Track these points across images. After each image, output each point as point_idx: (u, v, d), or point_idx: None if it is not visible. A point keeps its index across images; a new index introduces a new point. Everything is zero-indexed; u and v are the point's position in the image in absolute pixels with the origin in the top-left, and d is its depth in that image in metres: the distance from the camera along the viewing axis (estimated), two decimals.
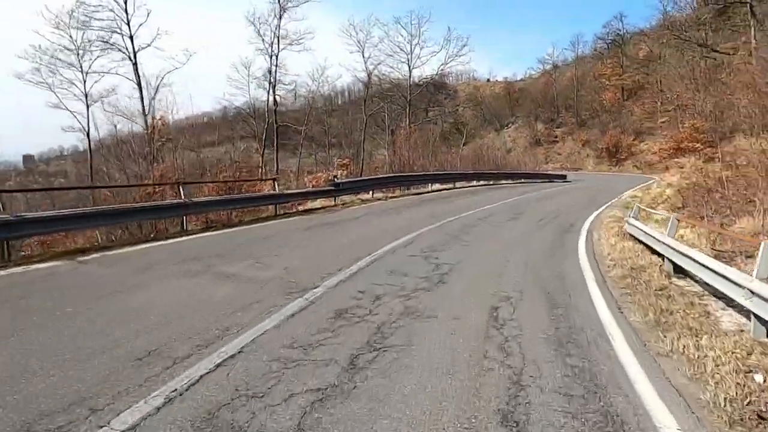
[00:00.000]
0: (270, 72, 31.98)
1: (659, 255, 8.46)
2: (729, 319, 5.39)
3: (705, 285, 6.68)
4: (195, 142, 47.07)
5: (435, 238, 9.91)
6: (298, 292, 5.76)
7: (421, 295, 5.79)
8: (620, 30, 69.19)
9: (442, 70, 41.00)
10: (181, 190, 10.29)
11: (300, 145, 42.80)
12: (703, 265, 5.87)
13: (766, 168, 11.05)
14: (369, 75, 37.69)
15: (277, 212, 13.50)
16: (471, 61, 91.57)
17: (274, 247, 8.56)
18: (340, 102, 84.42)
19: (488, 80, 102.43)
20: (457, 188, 24.74)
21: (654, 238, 8.02)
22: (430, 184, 23.26)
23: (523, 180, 34.72)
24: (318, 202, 16.74)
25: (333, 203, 16.35)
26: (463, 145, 53.00)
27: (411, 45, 40.92)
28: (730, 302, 6.01)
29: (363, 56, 38.15)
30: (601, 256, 8.93)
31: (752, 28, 27.86)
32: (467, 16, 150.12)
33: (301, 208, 16.50)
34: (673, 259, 7.16)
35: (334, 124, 60.96)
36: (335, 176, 16.90)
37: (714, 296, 6.26)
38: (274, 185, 13.91)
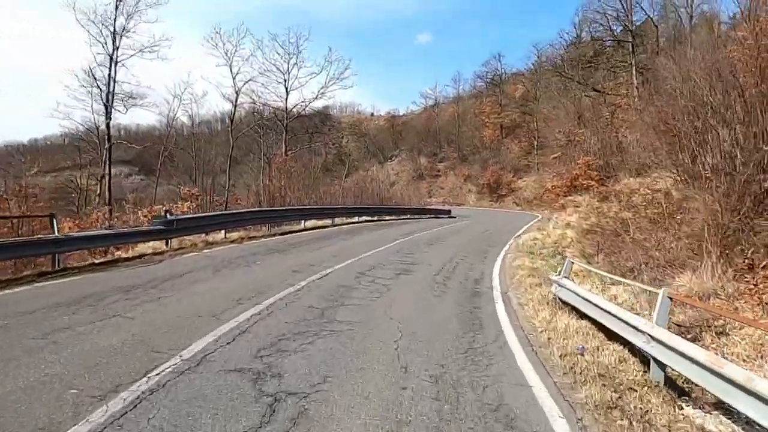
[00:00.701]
0: (97, 79, 26.21)
1: (623, 342, 5.64)
2: None
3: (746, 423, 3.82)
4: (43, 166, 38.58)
5: (288, 319, 6.19)
6: None
7: None
8: (498, 69, 72.56)
9: (323, 93, 37.75)
10: None
11: (158, 171, 36.78)
12: None
13: (712, 216, 9.03)
14: (237, 92, 33.06)
15: (57, 265, 8.85)
16: (354, 85, 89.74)
17: None
18: (220, 128, 77.88)
19: (372, 114, 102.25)
20: (335, 226, 21.28)
21: (630, 325, 5.08)
22: (303, 221, 19.55)
23: (408, 216, 32.38)
24: (150, 246, 12.20)
25: (165, 247, 11.95)
26: (346, 176, 50.39)
27: (288, 64, 37.41)
28: None
29: (231, 70, 33.46)
30: (540, 344, 5.87)
31: (633, 67, 28.78)
32: (350, 51, 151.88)
33: (120, 254, 11.91)
34: (680, 370, 4.21)
35: (209, 150, 54.86)
36: (167, 211, 12.45)
37: None
38: (52, 225, 9.17)
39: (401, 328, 6.03)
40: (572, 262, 8.00)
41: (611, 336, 5.99)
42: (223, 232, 14.36)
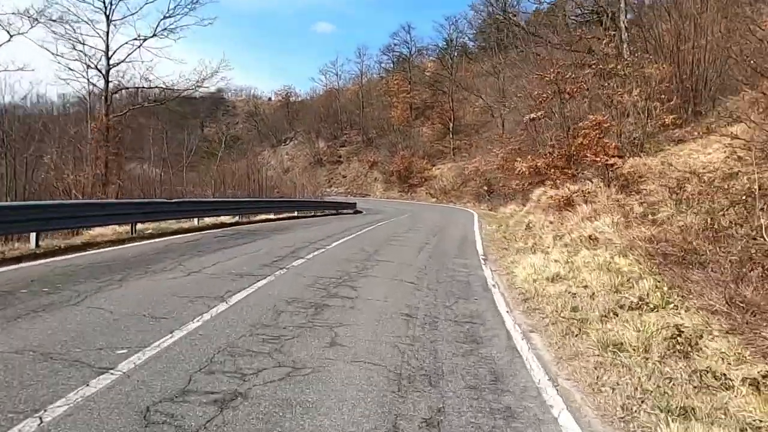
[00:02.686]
0: None
1: None
2: None
3: None
4: None
5: None
6: None
7: None
8: (408, 42, 64.35)
9: (167, 29, 25.24)
10: None
11: None
12: None
13: None
14: None
15: None
16: (217, 18, 65.50)
17: None
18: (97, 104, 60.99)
19: (270, 99, 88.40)
20: (138, 240, 10.91)
21: None
22: (37, 235, 9.00)
23: (297, 213, 22.36)
24: None
25: None
26: (220, 160, 39.65)
27: None
28: None
29: None
30: None
31: (624, 12, 21.21)
32: (242, 33, 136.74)
33: None
34: None
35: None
36: None
37: None
38: None
39: None
40: None
41: None
42: None
